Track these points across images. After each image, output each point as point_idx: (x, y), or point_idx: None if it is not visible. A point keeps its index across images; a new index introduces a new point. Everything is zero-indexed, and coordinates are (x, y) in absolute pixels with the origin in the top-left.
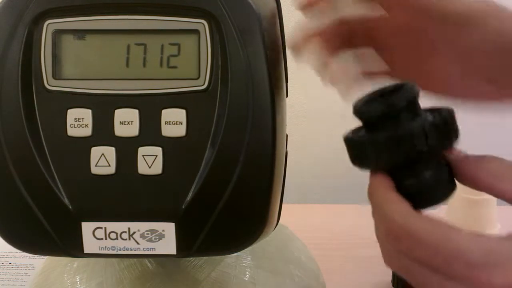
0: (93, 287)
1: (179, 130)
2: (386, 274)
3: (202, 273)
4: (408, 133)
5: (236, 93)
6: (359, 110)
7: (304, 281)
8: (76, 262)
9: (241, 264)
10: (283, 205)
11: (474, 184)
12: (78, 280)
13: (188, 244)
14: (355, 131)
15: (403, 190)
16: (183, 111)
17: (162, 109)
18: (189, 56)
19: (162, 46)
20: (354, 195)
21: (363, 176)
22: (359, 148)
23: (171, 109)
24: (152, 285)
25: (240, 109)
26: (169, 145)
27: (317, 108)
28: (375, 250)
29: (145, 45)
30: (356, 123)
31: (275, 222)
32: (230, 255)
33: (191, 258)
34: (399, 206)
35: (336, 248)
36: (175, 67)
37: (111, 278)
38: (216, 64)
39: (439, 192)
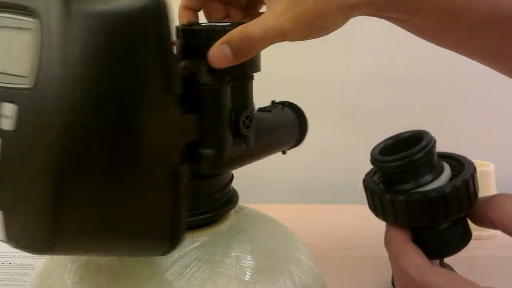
0: (93, 287)
1: (8, 124)
2: (386, 274)
3: (203, 275)
4: (426, 200)
5: (61, 93)
6: (377, 162)
7: (304, 281)
8: (76, 262)
9: (242, 264)
10: (283, 205)
11: (489, 224)
12: (78, 280)
13: None
14: (374, 172)
15: (418, 239)
16: (12, 106)
17: None
18: (19, 53)
19: None
20: (354, 195)
21: (363, 176)
22: (377, 201)
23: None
24: (152, 286)
25: (65, 109)
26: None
27: (315, 106)
28: (375, 250)
29: None
30: (354, 123)
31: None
32: (230, 256)
33: (191, 260)
34: (415, 259)
35: (336, 248)
36: (5, 63)
37: (110, 279)
38: (44, 63)
39: (455, 243)
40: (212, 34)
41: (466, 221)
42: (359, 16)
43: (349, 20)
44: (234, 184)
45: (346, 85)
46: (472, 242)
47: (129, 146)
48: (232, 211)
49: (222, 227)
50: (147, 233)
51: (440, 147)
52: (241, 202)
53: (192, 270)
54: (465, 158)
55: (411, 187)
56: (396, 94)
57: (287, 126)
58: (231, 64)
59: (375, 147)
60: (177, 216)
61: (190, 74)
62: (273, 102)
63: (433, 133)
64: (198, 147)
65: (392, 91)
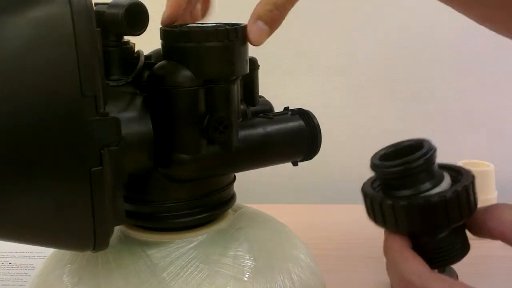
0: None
1: None
2: (386, 274)
3: (201, 274)
4: (428, 204)
5: None
6: (376, 167)
7: (303, 280)
8: (75, 263)
9: (239, 263)
10: (283, 205)
11: (488, 234)
12: (77, 281)
13: None
14: (373, 181)
15: (418, 247)
16: None
17: None
18: None
19: None
20: (354, 195)
21: (363, 176)
22: (377, 207)
23: None
24: (150, 286)
25: None
26: None
27: (315, 107)
28: (375, 250)
29: None
30: (354, 124)
31: None
32: (227, 255)
33: (189, 259)
34: (415, 266)
35: (336, 248)
36: None
37: (109, 279)
38: None
39: (454, 252)
40: (188, 36)
41: (465, 232)
42: (358, 17)
43: (348, 20)
44: (234, 184)
45: (346, 85)
46: (472, 242)
47: (26, 151)
48: (230, 210)
49: (219, 226)
50: (67, 234)
51: (440, 147)
52: (241, 202)
53: (189, 270)
54: (463, 168)
55: (410, 194)
56: (396, 94)
57: (290, 135)
58: (269, 36)
59: (376, 153)
60: (97, 217)
61: (164, 75)
62: (285, 108)
63: (433, 133)
64: (171, 151)
65: (392, 91)
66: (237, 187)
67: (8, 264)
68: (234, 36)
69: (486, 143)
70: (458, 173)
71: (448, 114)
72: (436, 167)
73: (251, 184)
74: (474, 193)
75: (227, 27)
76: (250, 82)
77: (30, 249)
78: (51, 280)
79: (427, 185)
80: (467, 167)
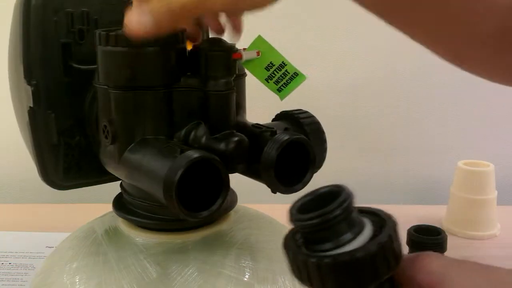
0: (92, 287)
1: None
2: None
3: (202, 275)
4: (354, 260)
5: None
6: (294, 220)
7: None
8: (75, 262)
9: (241, 264)
10: (283, 205)
11: (418, 286)
12: (77, 280)
13: None
14: (294, 233)
15: None
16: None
17: None
18: None
19: None
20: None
21: (362, 176)
22: (302, 267)
23: None
24: (151, 286)
25: None
26: None
27: (313, 108)
28: None
29: None
30: (351, 124)
31: None
32: (229, 256)
33: (191, 261)
34: None
35: None
36: None
37: (109, 279)
38: None
39: None
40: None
41: (394, 284)
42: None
43: (348, 29)
44: (235, 184)
45: (342, 86)
46: (472, 242)
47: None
48: (231, 211)
49: (221, 227)
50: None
51: (440, 147)
52: (241, 203)
53: (191, 270)
54: (383, 211)
55: (332, 247)
56: (395, 94)
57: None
58: (149, 35)
59: (293, 204)
60: (42, 155)
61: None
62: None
63: (434, 133)
64: (97, 141)
65: (391, 90)
66: (237, 187)
67: (8, 264)
68: (110, 42)
69: (486, 143)
70: (379, 217)
71: (448, 114)
72: (355, 214)
73: (251, 184)
74: (398, 241)
75: (103, 32)
76: (212, 103)
77: (30, 249)
78: (52, 279)
79: (348, 235)
80: (462, 167)
